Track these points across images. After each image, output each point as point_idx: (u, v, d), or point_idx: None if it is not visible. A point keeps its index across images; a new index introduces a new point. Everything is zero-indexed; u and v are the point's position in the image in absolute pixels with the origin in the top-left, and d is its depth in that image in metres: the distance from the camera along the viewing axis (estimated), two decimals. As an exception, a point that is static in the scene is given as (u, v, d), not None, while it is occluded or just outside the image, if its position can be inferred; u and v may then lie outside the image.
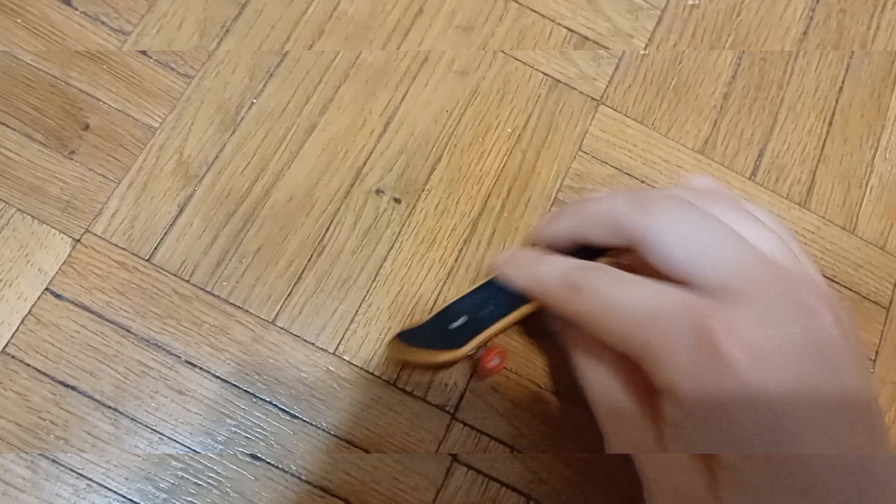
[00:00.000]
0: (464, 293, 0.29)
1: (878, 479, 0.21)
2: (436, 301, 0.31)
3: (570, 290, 0.25)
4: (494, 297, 0.29)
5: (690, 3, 0.37)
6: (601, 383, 0.27)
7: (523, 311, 0.28)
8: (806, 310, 0.22)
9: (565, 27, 0.36)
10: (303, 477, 0.28)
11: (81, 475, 0.27)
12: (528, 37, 0.35)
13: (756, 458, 0.21)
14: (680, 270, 0.24)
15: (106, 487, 0.27)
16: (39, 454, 0.27)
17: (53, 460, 0.27)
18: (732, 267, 0.23)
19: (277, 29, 0.34)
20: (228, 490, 0.28)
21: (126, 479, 0.27)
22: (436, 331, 0.29)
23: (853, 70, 0.37)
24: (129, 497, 0.27)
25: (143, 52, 0.33)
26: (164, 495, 0.28)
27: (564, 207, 0.29)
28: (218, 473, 0.28)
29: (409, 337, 0.29)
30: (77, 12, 0.33)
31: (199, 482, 0.28)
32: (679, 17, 0.37)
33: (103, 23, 0.33)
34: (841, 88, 0.37)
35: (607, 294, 0.24)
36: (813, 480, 0.21)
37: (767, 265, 0.23)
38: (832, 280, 0.34)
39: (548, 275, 0.26)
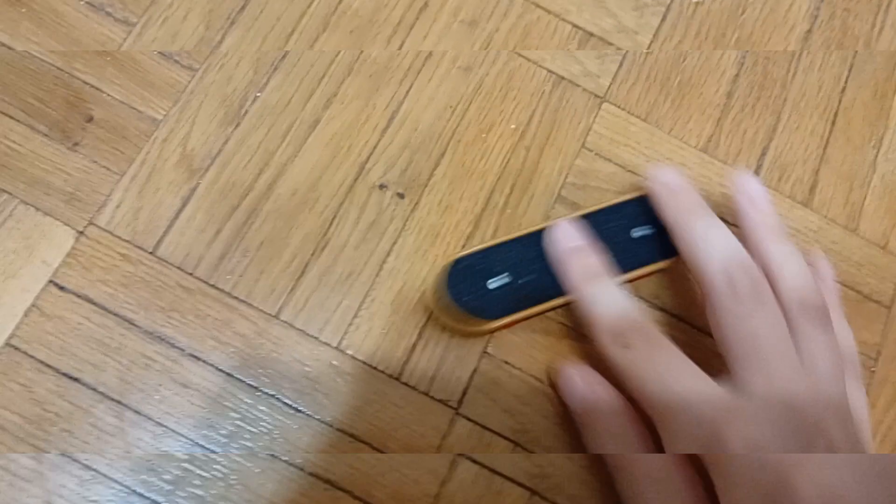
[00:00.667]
0: (517, 234, 0.31)
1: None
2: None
3: (616, 341, 0.27)
4: (540, 262, 0.30)
5: (695, 0, 0.37)
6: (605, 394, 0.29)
7: (563, 300, 0.30)
8: (809, 432, 0.25)
9: (570, 23, 0.36)
10: (307, 469, 0.28)
11: (86, 466, 0.28)
12: (533, 32, 0.36)
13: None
14: (728, 354, 0.27)
15: (110, 478, 0.27)
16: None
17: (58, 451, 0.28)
18: (773, 379, 0.26)
19: (282, 22, 0.34)
20: (233, 482, 0.28)
21: (131, 470, 0.28)
22: (475, 283, 0.29)
23: (856, 70, 0.37)
24: (134, 488, 0.28)
25: (147, 46, 0.33)
26: (169, 486, 0.28)
27: (708, 218, 0.30)
28: (223, 465, 0.28)
29: (453, 284, 0.29)
30: (82, 3, 0.33)
31: (204, 474, 0.28)
32: (684, 15, 0.37)
33: (108, 13, 0.33)
34: (844, 88, 0.37)
35: (648, 364, 0.27)
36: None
37: (797, 385, 0.26)
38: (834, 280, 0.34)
39: (602, 312, 0.28)
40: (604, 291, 0.29)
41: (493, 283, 0.30)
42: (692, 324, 0.32)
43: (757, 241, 0.29)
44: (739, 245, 0.29)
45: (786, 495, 0.23)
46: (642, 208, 0.31)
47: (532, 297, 0.30)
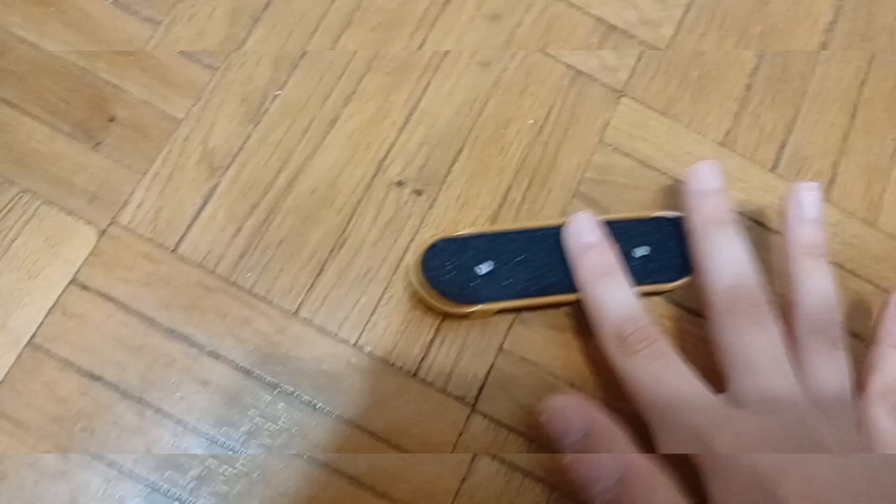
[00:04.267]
0: (516, 228, 0.28)
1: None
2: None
3: (620, 345, 0.26)
4: (537, 256, 0.28)
5: (715, -8, 0.34)
6: None
7: (555, 299, 0.28)
8: (799, 444, 0.23)
9: (594, 16, 0.33)
10: (329, 466, 0.26)
11: (111, 463, 0.26)
12: (555, 26, 0.33)
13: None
14: (724, 367, 0.26)
15: (135, 476, 0.25)
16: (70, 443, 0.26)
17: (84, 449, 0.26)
18: (765, 392, 0.24)
19: (306, 18, 0.32)
20: (256, 479, 0.26)
21: (155, 467, 0.26)
22: (460, 265, 0.27)
23: (877, 62, 0.34)
24: (158, 486, 0.26)
25: (173, 44, 0.30)
26: (193, 483, 0.26)
27: (727, 229, 0.27)
28: (245, 462, 0.26)
29: (434, 261, 0.27)
30: (108, 1, 0.31)
31: (227, 470, 0.26)
32: (707, 6, 0.34)
33: (134, 12, 0.31)
34: (864, 80, 0.34)
35: (649, 371, 0.25)
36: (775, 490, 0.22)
37: (789, 398, 0.24)
38: (853, 273, 0.31)
39: (609, 314, 0.26)
40: (613, 291, 0.27)
41: (478, 269, 0.27)
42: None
43: (791, 254, 0.27)
44: (750, 264, 0.27)
45: (770, 497, 0.22)
46: (647, 229, 0.29)
47: (521, 289, 0.27)
